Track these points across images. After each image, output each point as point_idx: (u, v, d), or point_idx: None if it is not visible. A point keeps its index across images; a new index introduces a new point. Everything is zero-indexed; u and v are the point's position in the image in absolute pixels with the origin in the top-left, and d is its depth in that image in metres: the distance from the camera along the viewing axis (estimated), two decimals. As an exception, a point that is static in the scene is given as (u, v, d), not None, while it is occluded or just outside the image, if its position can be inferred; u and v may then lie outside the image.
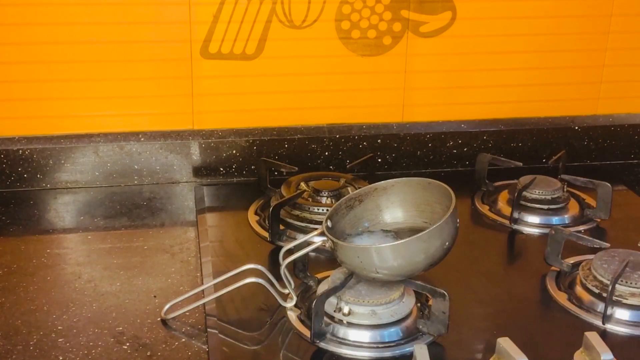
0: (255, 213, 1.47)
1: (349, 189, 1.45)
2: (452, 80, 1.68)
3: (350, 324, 1.09)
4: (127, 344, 1.09)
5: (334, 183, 1.48)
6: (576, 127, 1.74)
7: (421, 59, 1.64)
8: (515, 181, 1.52)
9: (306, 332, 1.10)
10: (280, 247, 1.20)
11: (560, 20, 1.67)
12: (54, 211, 1.49)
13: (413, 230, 1.14)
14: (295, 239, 1.28)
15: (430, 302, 1.12)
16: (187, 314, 1.15)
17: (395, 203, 1.23)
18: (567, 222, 1.45)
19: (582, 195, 1.54)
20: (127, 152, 1.57)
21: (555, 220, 1.45)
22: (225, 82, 1.59)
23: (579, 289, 1.21)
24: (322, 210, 1.38)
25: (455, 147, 1.70)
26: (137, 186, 1.59)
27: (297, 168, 1.54)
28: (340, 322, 1.10)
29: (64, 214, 1.48)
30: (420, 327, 1.10)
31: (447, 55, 1.65)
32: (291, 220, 1.39)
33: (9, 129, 1.53)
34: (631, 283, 1.17)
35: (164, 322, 1.14)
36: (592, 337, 1.01)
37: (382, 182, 1.23)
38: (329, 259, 1.20)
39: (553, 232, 1.27)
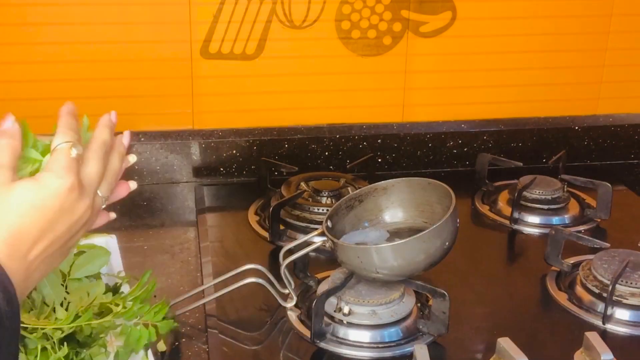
0: (255, 213, 1.47)
1: (349, 189, 1.44)
2: (452, 80, 1.68)
3: (350, 324, 1.09)
4: (127, 344, 1.08)
5: (334, 183, 1.48)
6: (576, 127, 1.74)
7: (421, 59, 1.64)
8: (515, 181, 1.52)
9: (306, 332, 1.10)
10: (280, 247, 1.20)
11: (560, 20, 1.67)
12: (54, 211, 1.49)
13: (413, 230, 1.14)
14: (295, 239, 1.28)
15: (430, 302, 1.12)
16: (187, 314, 1.15)
17: (395, 203, 1.23)
18: (567, 222, 1.45)
19: (582, 195, 1.54)
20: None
21: (555, 220, 1.45)
22: (225, 82, 1.58)
23: (579, 289, 1.21)
24: (322, 210, 1.38)
25: (455, 147, 1.70)
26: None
27: (297, 168, 1.53)
28: (341, 322, 1.10)
29: (64, 214, 1.48)
30: (421, 327, 1.10)
31: (447, 55, 1.65)
32: (291, 220, 1.39)
33: (9, 129, 1.53)
34: (631, 283, 1.17)
35: (164, 322, 1.14)
36: (592, 337, 1.01)
37: (382, 182, 1.23)
38: (329, 259, 1.20)
39: (553, 232, 1.26)
